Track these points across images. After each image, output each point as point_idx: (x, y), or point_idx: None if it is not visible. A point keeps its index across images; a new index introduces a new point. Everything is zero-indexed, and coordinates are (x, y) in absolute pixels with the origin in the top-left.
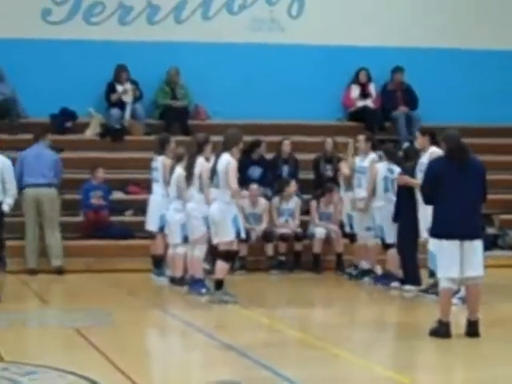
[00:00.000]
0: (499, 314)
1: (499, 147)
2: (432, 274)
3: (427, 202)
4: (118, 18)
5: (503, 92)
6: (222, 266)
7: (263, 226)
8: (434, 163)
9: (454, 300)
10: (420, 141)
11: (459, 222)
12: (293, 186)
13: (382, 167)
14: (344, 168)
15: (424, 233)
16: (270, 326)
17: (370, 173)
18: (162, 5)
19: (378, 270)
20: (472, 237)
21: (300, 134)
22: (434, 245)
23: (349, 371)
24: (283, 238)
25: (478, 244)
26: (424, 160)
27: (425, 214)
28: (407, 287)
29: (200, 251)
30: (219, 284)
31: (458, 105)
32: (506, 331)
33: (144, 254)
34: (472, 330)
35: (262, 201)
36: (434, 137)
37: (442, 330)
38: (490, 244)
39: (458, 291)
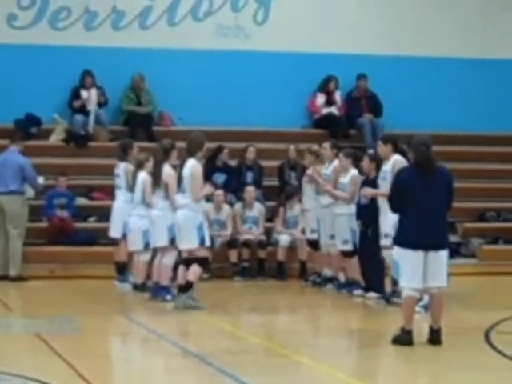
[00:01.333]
0: (461, 322)
1: (463, 154)
2: (395, 282)
3: (394, 210)
4: (84, 23)
5: (468, 99)
6: (195, 270)
7: (228, 232)
8: (401, 172)
9: (417, 308)
10: (382, 149)
11: (425, 233)
12: (251, 192)
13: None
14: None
15: (382, 240)
16: (233, 332)
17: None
18: (128, 11)
19: (341, 278)
20: (438, 247)
21: (264, 140)
22: (397, 253)
23: (312, 378)
24: (246, 244)
25: (444, 254)
26: (386, 168)
27: (384, 222)
28: (370, 294)
29: (169, 259)
30: (187, 287)
31: (422, 112)
32: (468, 339)
33: (108, 261)
34: (434, 337)
35: (226, 207)
36: (396, 145)
37: (404, 338)
38: (453, 252)
39: (421, 299)
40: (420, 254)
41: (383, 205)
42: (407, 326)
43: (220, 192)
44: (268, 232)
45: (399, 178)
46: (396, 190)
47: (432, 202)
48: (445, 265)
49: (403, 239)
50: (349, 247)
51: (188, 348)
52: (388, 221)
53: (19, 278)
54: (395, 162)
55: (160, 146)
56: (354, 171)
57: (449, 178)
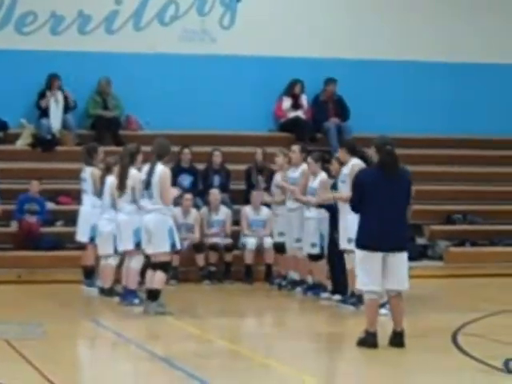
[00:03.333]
0: (428, 324)
1: (428, 158)
2: None
3: (356, 211)
4: (50, 28)
5: (435, 103)
6: (160, 277)
7: (195, 236)
8: (361, 172)
9: (383, 310)
10: (340, 153)
11: (385, 234)
12: (216, 195)
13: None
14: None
15: (344, 243)
16: (200, 336)
17: (323, 186)
18: (94, 15)
19: (309, 280)
20: (396, 249)
21: (231, 144)
22: (357, 256)
23: (279, 381)
24: (213, 248)
25: (403, 256)
26: (345, 171)
27: (344, 225)
28: (335, 297)
29: (136, 263)
30: (156, 295)
31: (389, 116)
32: (435, 341)
33: (75, 265)
34: (397, 340)
35: (194, 211)
36: (353, 149)
37: (368, 340)
38: (420, 254)
39: (386, 302)
40: (379, 255)
41: (342, 208)
42: (371, 329)
43: (188, 196)
44: (236, 235)
45: (359, 178)
46: (356, 191)
47: (393, 203)
48: (405, 267)
49: (363, 242)
50: (316, 251)
51: (156, 352)
52: (350, 224)
53: None
54: (353, 165)
55: (126, 150)
56: (323, 175)
57: (408, 180)
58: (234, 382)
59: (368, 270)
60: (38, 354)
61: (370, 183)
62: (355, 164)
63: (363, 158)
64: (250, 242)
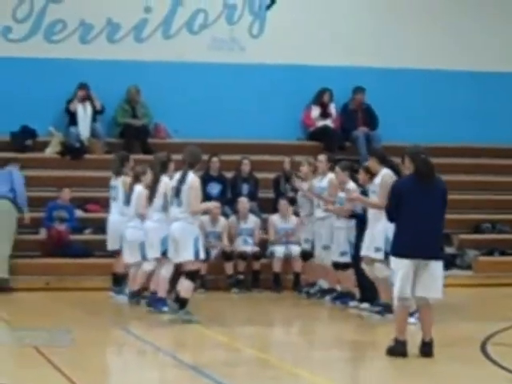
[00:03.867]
0: (457, 333)
1: (457, 166)
2: None
3: (391, 220)
4: (79, 36)
5: (463, 112)
6: (187, 285)
7: (223, 244)
8: (398, 182)
9: (412, 319)
10: (370, 163)
11: (420, 242)
12: (244, 203)
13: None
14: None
15: (370, 251)
16: (229, 344)
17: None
18: (123, 23)
19: (338, 288)
20: (430, 257)
21: (260, 153)
22: (393, 263)
23: None
24: (242, 256)
25: (437, 265)
26: (376, 181)
27: (371, 234)
28: (363, 305)
29: (166, 271)
30: (183, 303)
31: (417, 124)
32: (464, 350)
33: (103, 273)
34: (425, 350)
35: (222, 219)
36: (382, 158)
37: (398, 349)
38: (449, 263)
39: (416, 311)
40: (413, 262)
41: (373, 217)
42: (400, 337)
43: (217, 204)
44: (263, 244)
45: (396, 187)
46: (393, 199)
47: (429, 212)
48: (438, 276)
49: (398, 249)
50: (346, 259)
51: (184, 360)
52: (378, 234)
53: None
54: (384, 175)
55: (157, 159)
56: (351, 184)
57: (444, 189)
58: None
59: (402, 277)
60: (66, 360)
61: (407, 192)
62: (386, 174)
63: (393, 167)
64: (278, 250)
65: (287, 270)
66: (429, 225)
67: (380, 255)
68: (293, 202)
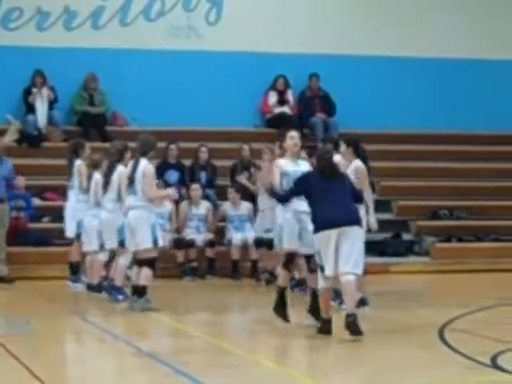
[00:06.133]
0: (415, 320)
1: (414, 153)
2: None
3: (282, 201)
4: (36, 23)
5: (421, 98)
6: (146, 273)
7: (172, 228)
8: (306, 175)
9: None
10: (345, 152)
11: (335, 215)
12: (196, 190)
13: None
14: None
15: None
16: (186, 332)
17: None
18: (80, 11)
19: (296, 276)
20: (347, 223)
21: (217, 140)
22: (316, 242)
23: (266, 378)
24: (190, 244)
25: (357, 233)
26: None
27: None
28: None
29: (124, 259)
30: (142, 291)
31: (374, 111)
32: (421, 336)
33: (62, 261)
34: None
35: (205, 202)
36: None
37: (325, 327)
38: (406, 250)
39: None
40: (332, 234)
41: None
42: (326, 316)
43: (196, 186)
44: (220, 231)
45: (305, 175)
46: (296, 182)
47: (339, 193)
48: (359, 247)
49: (316, 225)
50: None
51: (142, 348)
52: None
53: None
54: (357, 167)
55: (113, 148)
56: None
57: (348, 180)
58: (221, 379)
59: (322, 254)
60: (24, 349)
61: (315, 181)
62: (359, 166)
63: (362, 157)
64: (236, 237)
65: (244, 257)
66: (341, 201)
67: None
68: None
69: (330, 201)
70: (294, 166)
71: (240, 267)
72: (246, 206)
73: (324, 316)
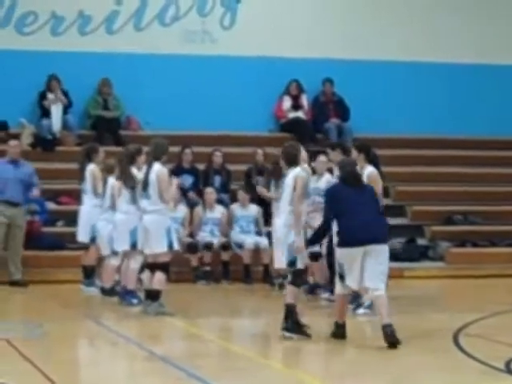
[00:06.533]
0: (430, 325)
1: (429, 158)
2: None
3: (328, 224)
4: (50, 28)
5: (437, 103)
6: (160, 277)
7: (185, 233)
8: (331, 187)
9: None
10: (358, 160)
11: (362, 231)
12: (210, 194)
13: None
14: None
15: None
16: (200, 336)
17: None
18: (94, 15)
19: (310, 280)
20: (374, 242)
21: (232, 145)
22: (339, 256)
23: (279, 382)
24: (208, 247)
25: (383, 250)
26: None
27: None
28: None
29: (135, 263)
30: (156, 295)
31: (389, 116)
32: (436, 341)
33: (75, 265)
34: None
35: (220, 207)
36: (369, 154)
37: (339, 332)
38: (421, 255)
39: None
40: (358, 250)
41: None
42: (340, 320)
43: (211, 190)
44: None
45: (329, 192)
46: (328, 205)
47: (364, 207)
48: (384, 264)
49: (342, 240)
50: (317, 249)
51: (155, 351)
52: None
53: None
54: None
55: (126, 151)
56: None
57: (372, 190)
58: (235, 382)
59: (346, 268)
60: (38, 353)
61: (340, 193)
62: (372, 172)
63: (374, 162)
64: (248, 241)
65: (257, 261)
66: (369, 216)
67: None
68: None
69: (357, 215)
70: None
71: (252, 271)
72: (254, 209)
73: (338, 321)
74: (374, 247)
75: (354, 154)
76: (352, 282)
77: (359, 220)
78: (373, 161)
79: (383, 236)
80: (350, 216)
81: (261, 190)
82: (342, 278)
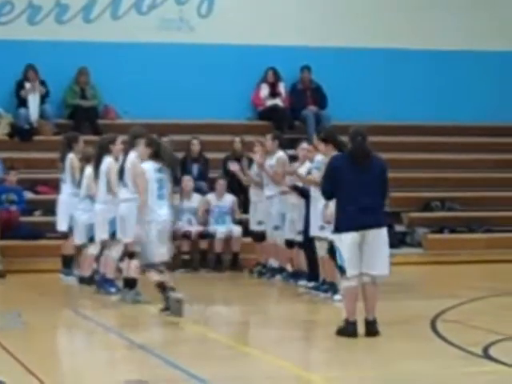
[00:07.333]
0: (407, 311)
1: (407, 145)
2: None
3: (328, 197)
4: (27, 17)
5: (413, 90)
6: (135, 265)
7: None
8: (335, 160)
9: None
10: (324, 147)
11: (361, 215)
12: (187, 182)
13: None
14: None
15: (315, 231)
16: (178, 324)
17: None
18: (71, 4)
19: (289, 268)
20: (373, 226)
21: (209, 133)
22: (337, 241)
23: (258, 369)
24: (186, 236)
25: (382, 234)
26: (319, 158)
27: (315, 212)
28: (312, 284)
29: (116, 252)
30: (133, 283)
31: (367, 103)
32: (414, 328)
33: (54, 255)
34: (370, 329)
35: (196, 195)
36: (340, 145)
37: (349, 330)
38: (399, 242)
39: None
40: (356, 237)
41: (314, 194)
42: (351, 318)
43: (188, 178)
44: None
45: (331, 165)
46: (327, 177)
47: (367, 188)
48: (384, 251)
49: (339, 224)
50: (300, 238)
51: (134, 340)
52: (317, 211)
53: None
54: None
55: (101, 140)
56: (280, 153)
57: (383, 167)
58: (214, 370)
59: (346, 258)
60: (17, 343)
61: (342, 169)
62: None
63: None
64: (219, 230)
65: (227, 250)
66: (368, 199)
67: (322, 233)
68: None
69: (357, 197)
70: None
71: (224, 260)
72: (229, 199)
73: (349, 318)
74: (374, 231)
75: (321, 146)
76: (352, 269)
77: (357, 204)
78: (341, 148)
79: (382, 220)
80: (348, 199)
81: (235, 167)
82: (342, 270)
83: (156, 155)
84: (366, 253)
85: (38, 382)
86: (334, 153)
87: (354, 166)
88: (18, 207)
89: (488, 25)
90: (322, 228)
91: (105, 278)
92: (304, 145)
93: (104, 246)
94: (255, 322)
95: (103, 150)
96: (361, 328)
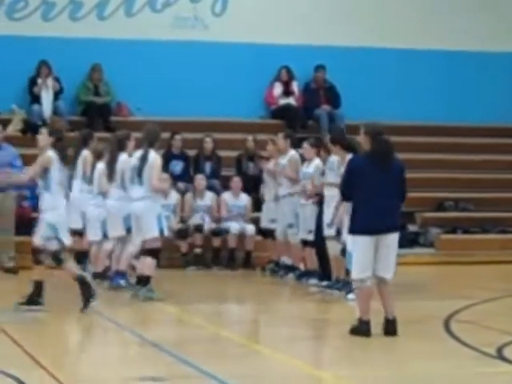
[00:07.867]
0: (421, 311)
1: (420, 145)
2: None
3: (346, 199)
4: (41, 14)
5: (427, 90)
6: (149, 263)
7: (177, 220)
8: (354, 161)
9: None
10: (334, 150)
11: (377, 218)
12: (200, 180)
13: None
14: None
15: (326, 231)
16: (191, 322)
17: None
18: (85, 1)
19: (301, 267)
20: (388, 231)
21: (222, 131)
22: (351, 242)
23: (270, 368)
24: (198, 229)
25: (394, 239)
26: (334, 158)
27: (327, 212)
28: (324, 283)
29: (133, 247)
30: (146, 280)
31: (381, 103)
32: (427, 328)
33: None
34: (389, 328)
35: (173, 194)
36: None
37: (362, 329)
38: (411, 241)
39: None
40: (371, 240)
41: (328, 193)
42: (364, 317)
43: (201, 176)
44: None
45: (351, 165)
46: (347, 177)
47: (386, 190)
48: (394, 254)
49: (355, 227)
50: (312, 237)
51: (146, 337)
52: (330, 211)
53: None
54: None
55: (115, 137)
56: (292, 152)
57: (401, 167)
58: (226, 368)
59: (360, 259)
60: (29, 339)
61: (361, 170)
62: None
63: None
64: (233, 227)
65: (241, 248)
66: (386, 202)
67: (331, 232)
68: (257, 181)
69: (375, 199)
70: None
71: (236, 257)
72: (244, 198)
73: (363, 317)
74: (388, 236)
75: (333, 148)
76: (365, 271)
77: (374, 206)
78: (352, 148)
79: (397, 225)
80: (366, 200)
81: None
82: (347, 272)
83: None
84: (380, 256)
85: (50, 377)
86: (342, 153)
87: (375, 166)
88: (31, 203)
89: (498, 26)
90: (328, 226)
91: (117, 271)
92: (306, 145)
93: (118, 242)
94: (267, 320)
95: (120, 146)
96: (374, 327)
